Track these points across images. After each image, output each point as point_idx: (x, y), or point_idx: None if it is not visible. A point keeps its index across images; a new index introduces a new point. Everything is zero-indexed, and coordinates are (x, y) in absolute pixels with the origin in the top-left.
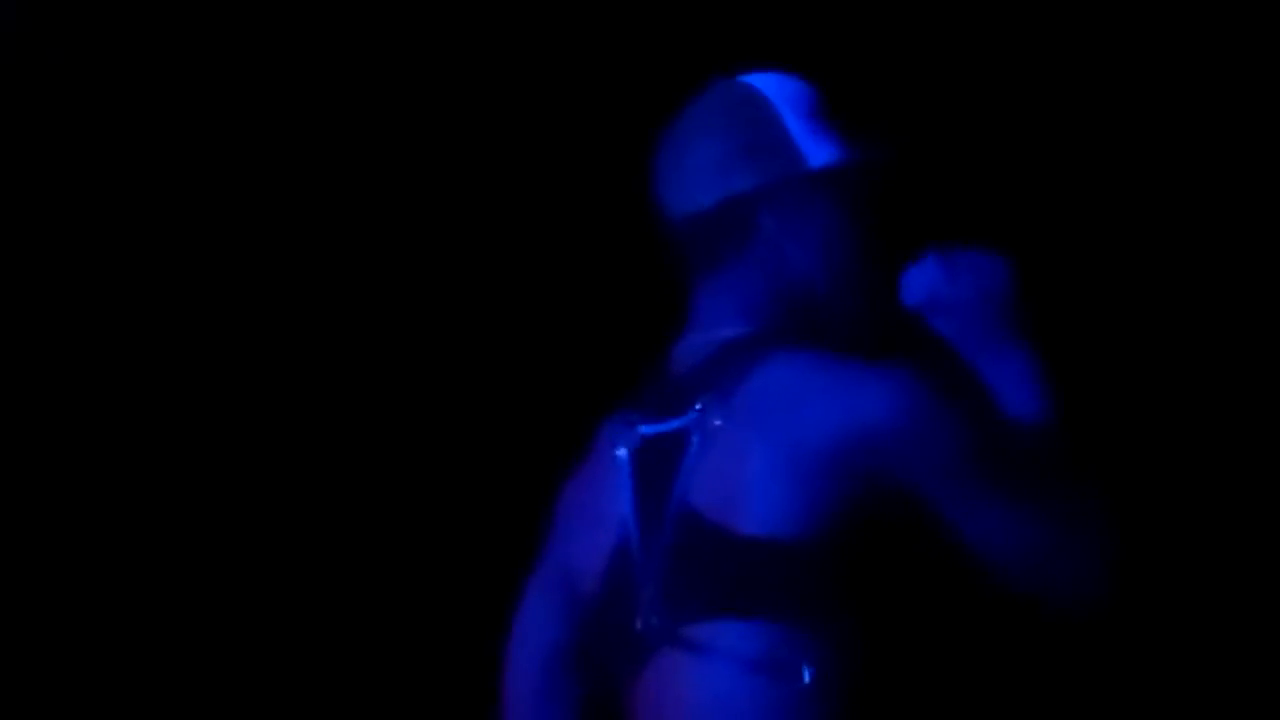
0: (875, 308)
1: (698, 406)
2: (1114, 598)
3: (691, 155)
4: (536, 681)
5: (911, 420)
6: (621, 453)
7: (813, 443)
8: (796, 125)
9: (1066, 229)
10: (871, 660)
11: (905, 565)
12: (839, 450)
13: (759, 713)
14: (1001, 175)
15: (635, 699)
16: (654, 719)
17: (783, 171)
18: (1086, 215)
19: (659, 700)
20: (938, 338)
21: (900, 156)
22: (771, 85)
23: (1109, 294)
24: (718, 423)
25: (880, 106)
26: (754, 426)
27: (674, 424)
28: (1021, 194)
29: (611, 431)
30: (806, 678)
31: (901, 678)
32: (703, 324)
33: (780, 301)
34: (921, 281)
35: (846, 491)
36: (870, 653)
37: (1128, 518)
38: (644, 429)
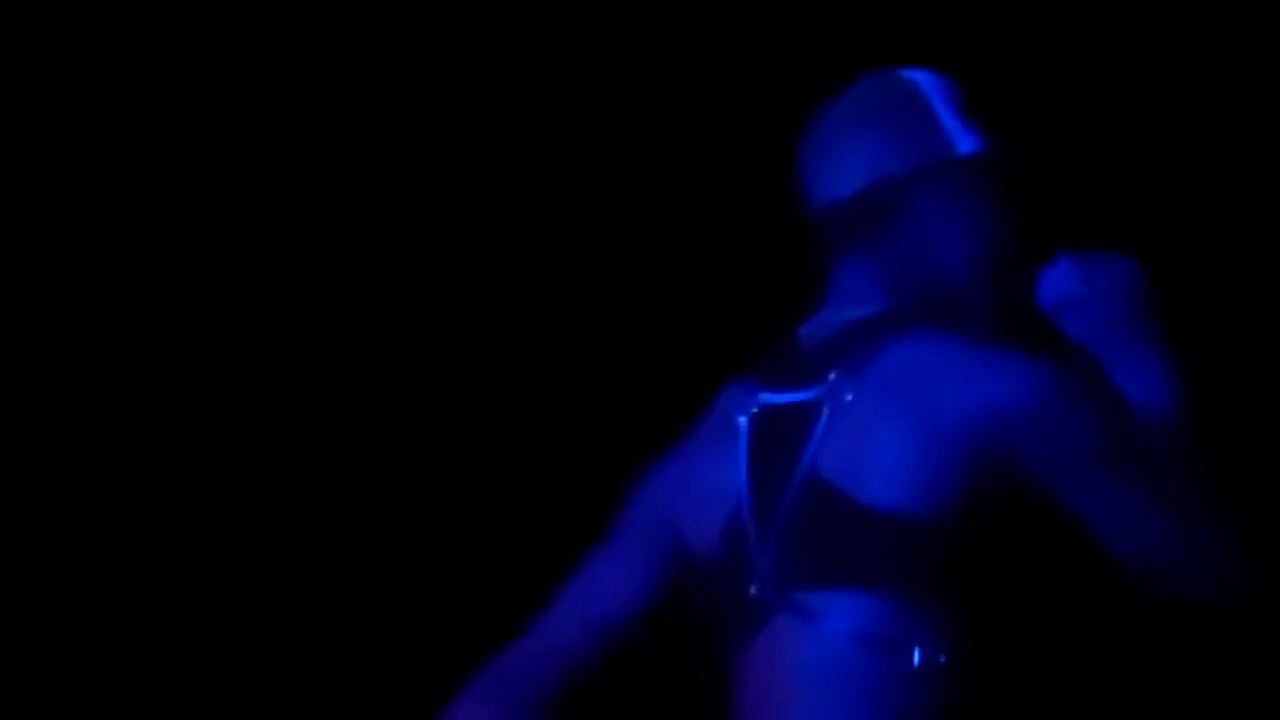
0: (1011, 301)
1: (830, 378)
2: (1253, 603)
3: (844, 140)
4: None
5: (1048, 408)
6: (742, 420)
7: (946, 422)
8: (947, 115)
9: (1202, 232)
10: (984, 648)
11: (1030, 555)
12: (972, 431)
13: (863, 687)
14: (1141, 178)
15: (744, 664)
16: (762, 684)
17: (934, 157)
18: (1221, 219)
19: (767, 665)
20: (1069, 337)
21: (1045, 152)
22: (920, 78)
23: (1245, 297)
24: (849, 396)
25: (1023, 105)
26: (887, 402)
27: (801, 395)
28: (1158, 198)
29: (730, 399)
30: (916, 658)
31: (1012, 670)
32: (837, 303)
33: (918, 286)
34: (1056, 281)
35: (976, 473)
36: (983, 641)
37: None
38: (767, 398)
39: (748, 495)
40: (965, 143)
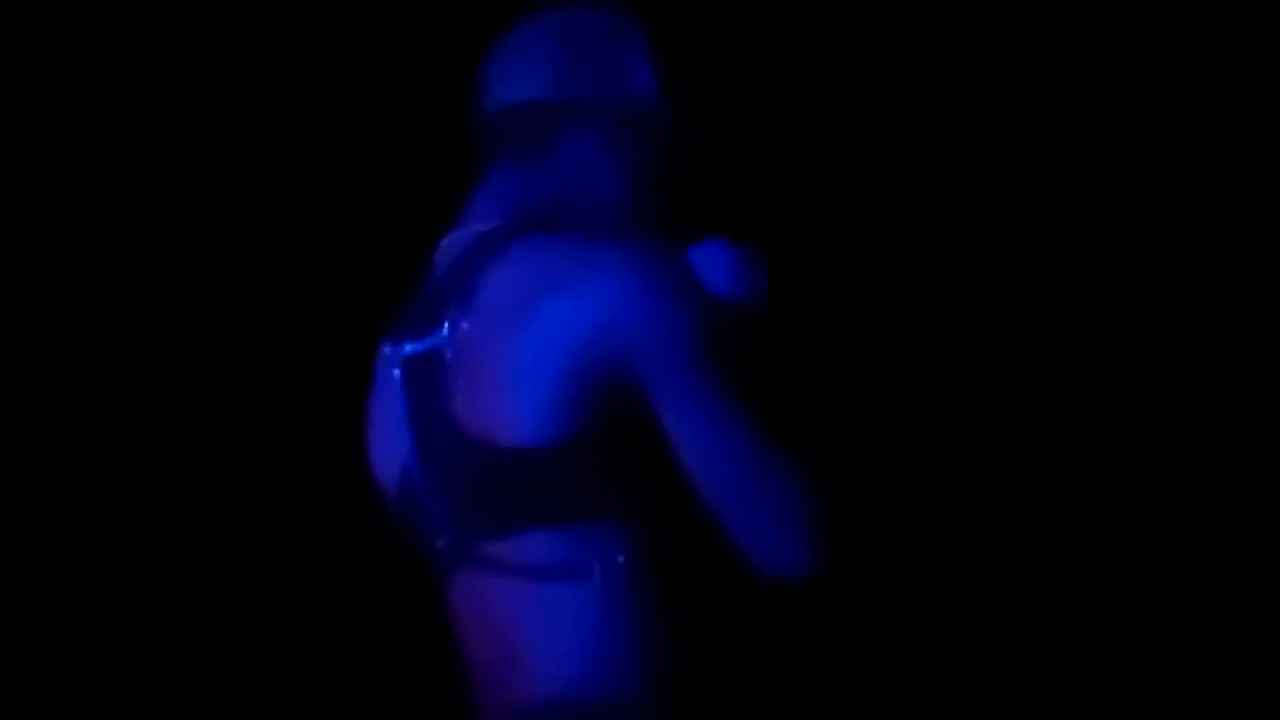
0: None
1: (446, 320)
2: (814, 570)
3: (521, 55)
4: None
5: (632, 304)
6: (395, 374)
7: (545, 340)
8: (631, 59)
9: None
10: (659, 553)
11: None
12: (569, 345)
13: (556, 619)
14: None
15: (454, 615)
16: (465, 636)
17: (598, 93)
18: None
19: (464, 618)
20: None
21: (721, 108)
22: (623, 19)
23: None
24: (464, 330)
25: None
26: (496, 332)
27: (432, 339)
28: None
29: (385, 352)
30: (596, 577)
31: (686, 570)
32: (468, 219)
33: (560, 206)
34: (700, 263)
35: (589, 389)
36: (655, 546)
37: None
38: (409, 348)
39: (413, 452)
40: (639, 88)
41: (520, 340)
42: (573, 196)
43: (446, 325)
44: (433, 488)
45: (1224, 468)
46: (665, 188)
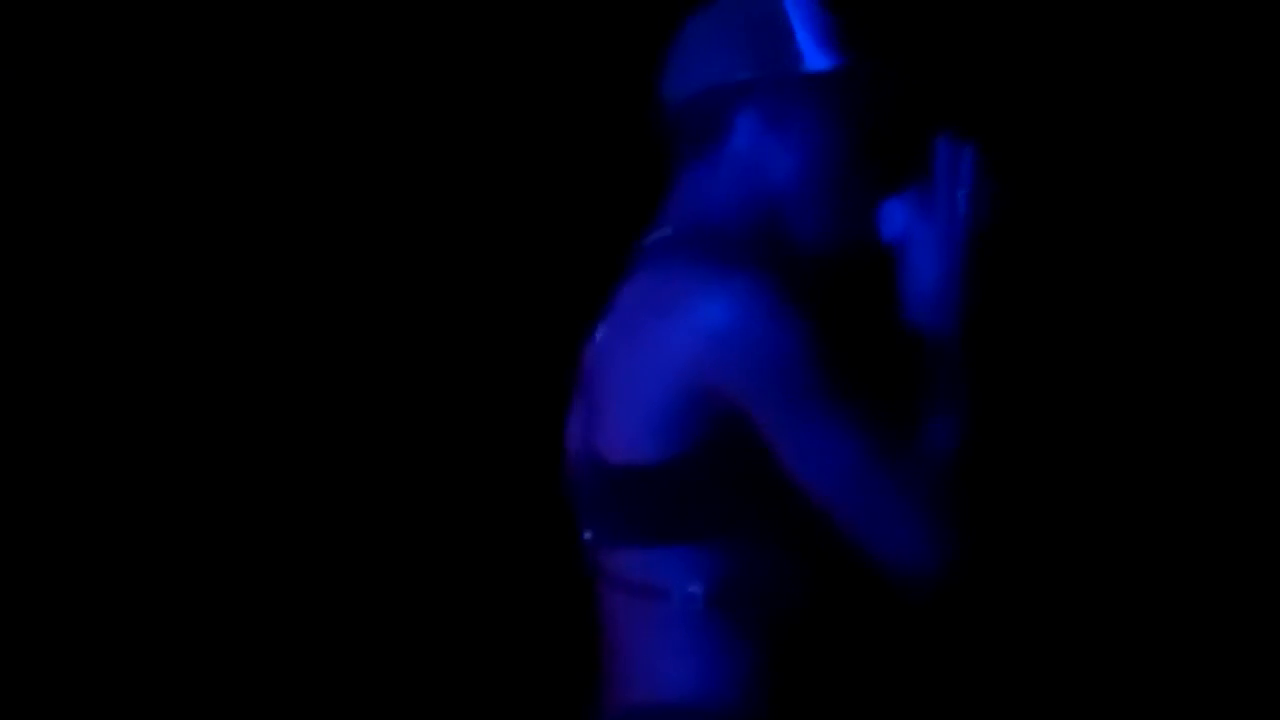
0: (839, 230)
1: (599, 325)
2: (949, 583)
3: (694, 46)
4: None
5: (737, 332)
6: (582, 366)
7: (654, 361)
8: (803, 30)
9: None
10: (759, 576)
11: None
12: (676, 368)
13: (647, 632)
14: (1001, 115)
15: (598, 609)
16: (603, 633)
17: (775, 70)
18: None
19: (602, 617)
20: (892, 273)
21: (902, 77)
22: None
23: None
24: (601, 337)
25: (896, 33)
26: (615, 344)
27: (596, 335)
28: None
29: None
30: (689, 597)
31: (790, 593)
32: (670, 215)
33: (745, 206)
34: (899, 215)
35: (695, 412)
36: (757, 569)
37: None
38: (593, 338)
39: (574, 446)
40: (816, 60)
41: (633, 358)
42: (750, 190)
43: (598, 331)
44: (580, 486)
45: (1224, 468)
46: (850, 158)
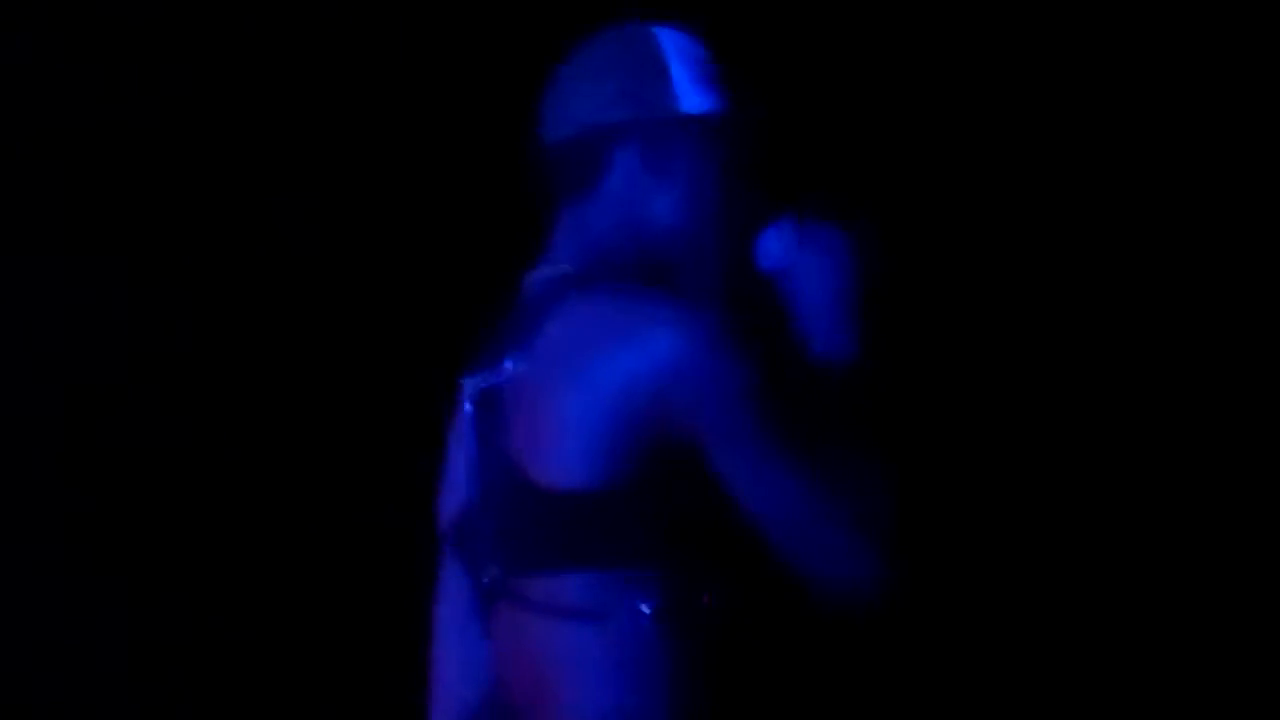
0: (723, 263)
1: (508, 357)
2: (889, 595)
3: (571, 86)
4: (456, 636)
5: (694, 366)
6: (467, 407)
7: (601, 390)
8: (679, 71)
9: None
10: (690, 603)
11: (719, 511)
12: (625, 397)
13: (583, 659)
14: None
15: (494, 650)
16: (503, 672)
17: (652, 111)
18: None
19: (504, 654)
20: (779, 302)
21: (773, 118)
22: (664, 34)
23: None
24: (524, 372)
25: (763, 71)
26: (551, 375)
27: (498, 374)
28: (889, 167)
29: (464, 383)
30: (621, 622)
31: (726, 620)
32: (550, 258)
33: (627, 242)
34: (775, 245)
35: (640, 439)
36: (687, 596)
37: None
38: (481, 381)
39: (473, 484)
40: (692, 101)
41: (574, 389)
42: (635, 228)
43: (509, 364)
44: (486, 521)
45: (1224, 468)
46: (728, 192)
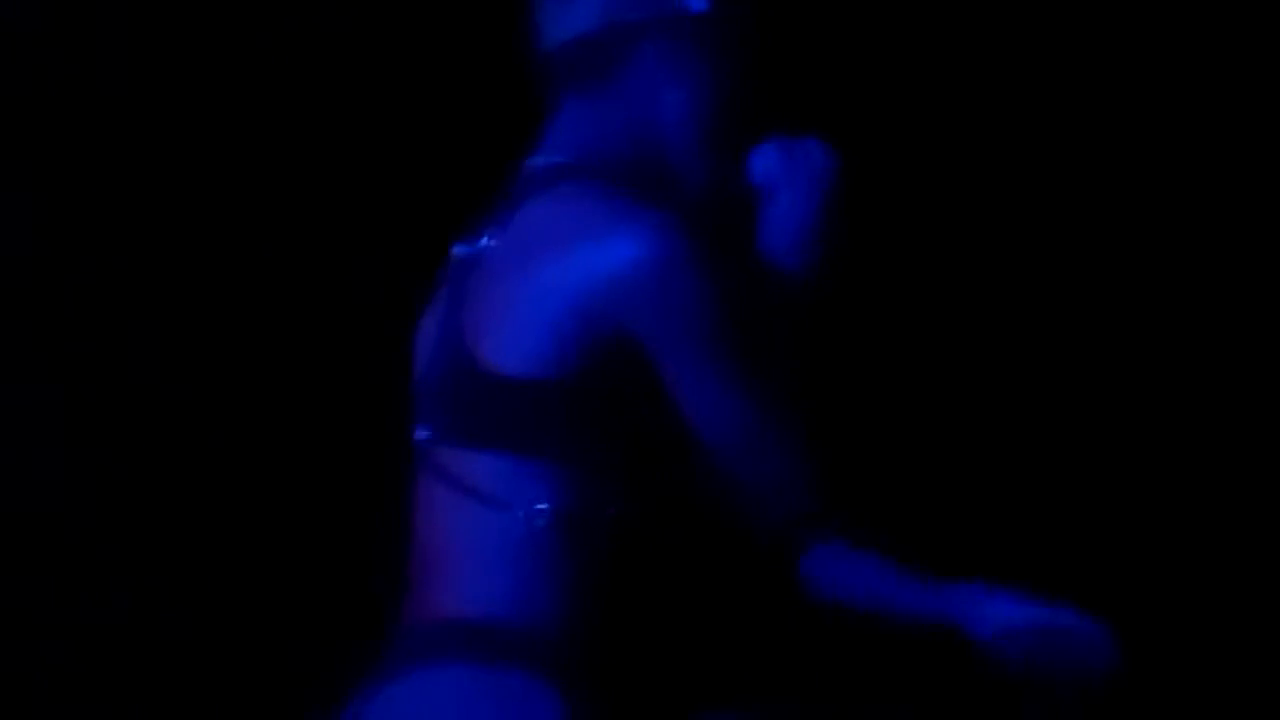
0: (719, 171)
1: (487, 233)
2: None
3: None
4: None
5: (658, 274)
6: (446, 274)
7: (557, 281)
8: None
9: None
10: (606, 505)
11: (648, 425)
12: (579, 293)
13: (483, 542)
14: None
15: (412, 508)
16: (414, 535)
17: (666, 9)
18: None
19: (417, 518)
20: (765, 219)
21: (788, 20)
22: None
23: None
24: (494, 249)
25: None
26: (516, 255)
27: (473, 246)
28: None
29: (452, 250)
30: (519, 513)
31: (631, 527)
32: (551, 146)
33: (628, 141)
34: (767, 159)
35: (584, 337)
36: (606, 498)
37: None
38: (461, 251)
39: (427, 348)
40: (699, 1)
41: (533, 274)
42: (640, 126)
43: (486, 239)
44: (429, 385)
45: (1224, 468)
46: (734, 98)
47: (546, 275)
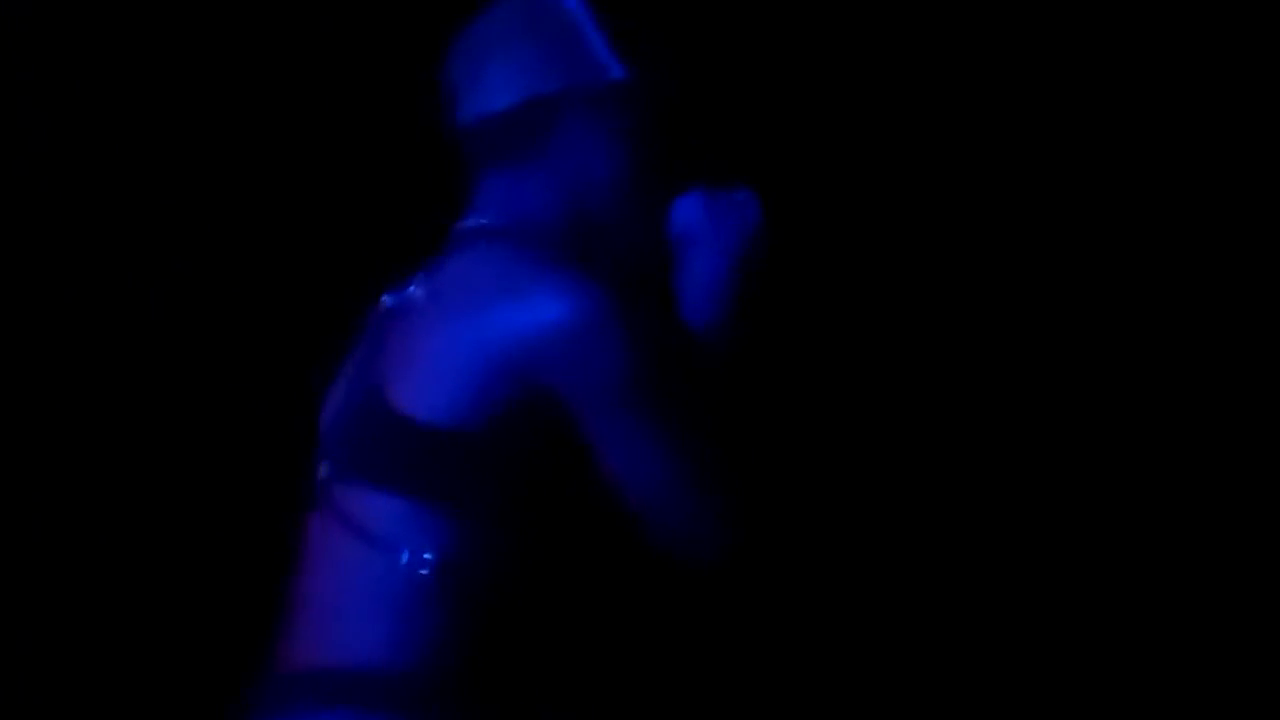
0: (647, 228)
1: (414, 283)
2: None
3: (495, 54)
4: None
5: (581, 336)
6: (370, 321)
7: (477, 333)
8: (596, 38)
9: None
10: (494, 560)
11: (564, 479)
12: (498, 347)
13: (366, 588)
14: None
15: (301, 543)
16: (299, 575)
17: (585, 79)
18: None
19: (305, 557)
20: (684, 270)
21: (696, 81)
22: (568, 1)
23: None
24: (417, 301)
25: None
26: (438, 306)
27: (400, 297)
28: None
29: (383, 299)
30: (405, 559)
31: (518, 582)
32: (477, 211)
33: (556, 206)
34: (687, 213)
35: (499, 392)
36: (495, 552)
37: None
38: (389, 300)
39: (341, 389)
40: (615, 68)
41: (453, 325)
42: (566, 191)
43: (412, 289)
44: (338, 424)
45: (1224, 468)
46: (659, 156)
47: (464, 327)
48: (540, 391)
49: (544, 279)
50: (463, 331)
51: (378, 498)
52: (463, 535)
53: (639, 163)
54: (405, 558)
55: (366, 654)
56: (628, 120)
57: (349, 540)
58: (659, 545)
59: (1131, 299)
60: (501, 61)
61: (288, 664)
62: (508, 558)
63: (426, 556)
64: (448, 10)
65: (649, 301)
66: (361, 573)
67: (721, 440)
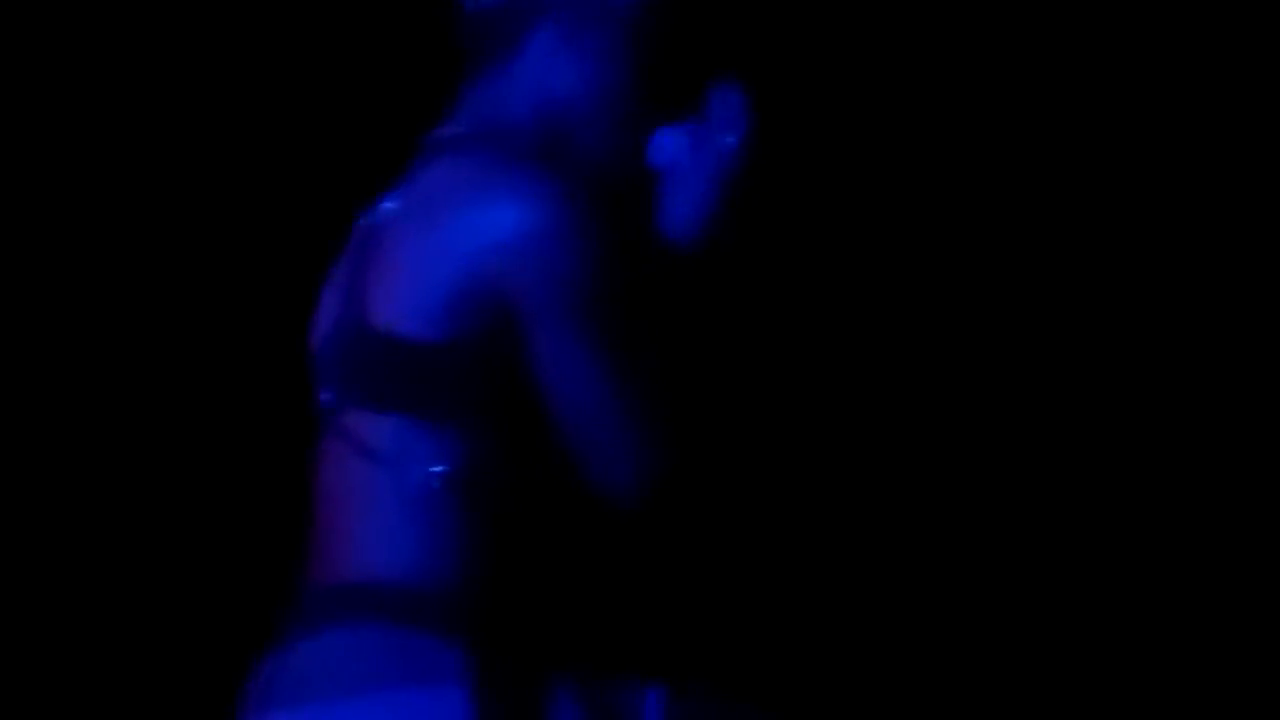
0: (621, 148)
1: (388, 199)
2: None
3: None
4: None
5: (537, 242)
6: (350, 241)
7: (446, 245)
8: None
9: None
10: (497, 467)
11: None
12: (467, 257)
13: (379, 504)
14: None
15: (314, 470)
16: (316, 499)
17: None
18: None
19: (319, 481)
20: (663, 201)
21: (693, 8)
22: None
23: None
24: (394, 214)
25: None
26: (410, 221)
27: (376, 215)
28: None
29: (359, 219)
30: (428, 475)
31: (522, 488)
32: (455, 119)
33: (528, 114)
34: (669, 144)
35: (471, 301)
36: (497, 459)
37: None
38: (366, 219)
39: (331, 309)
40: None
41: (424, 238)
42: (540, 99)
43: (386, 205)
44: (331, 348)
45: (1224, 468)
46: (639, 79)
47: (437, 237)
48: (502, 297)
49: (508, 184)
50: (434, 241)
51: (381, 419)
52: (463, 447)
53: (614, 83)
54: (416, 475)
55: (390, 569)
56: (609, 36)
57: (360, 462)
58: (579, 468)
59: (1132, 299)
60: None
61: (319, 580)
62: (514, 464)
63: (436, 470)
64: None
65: (614, 222)
66: (376, 492)
67: (658, 376)
